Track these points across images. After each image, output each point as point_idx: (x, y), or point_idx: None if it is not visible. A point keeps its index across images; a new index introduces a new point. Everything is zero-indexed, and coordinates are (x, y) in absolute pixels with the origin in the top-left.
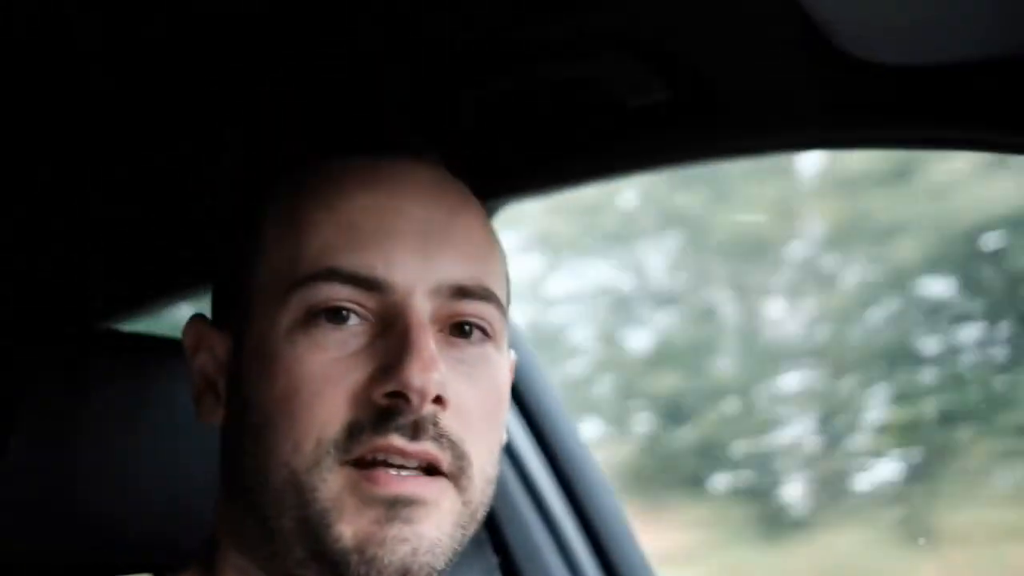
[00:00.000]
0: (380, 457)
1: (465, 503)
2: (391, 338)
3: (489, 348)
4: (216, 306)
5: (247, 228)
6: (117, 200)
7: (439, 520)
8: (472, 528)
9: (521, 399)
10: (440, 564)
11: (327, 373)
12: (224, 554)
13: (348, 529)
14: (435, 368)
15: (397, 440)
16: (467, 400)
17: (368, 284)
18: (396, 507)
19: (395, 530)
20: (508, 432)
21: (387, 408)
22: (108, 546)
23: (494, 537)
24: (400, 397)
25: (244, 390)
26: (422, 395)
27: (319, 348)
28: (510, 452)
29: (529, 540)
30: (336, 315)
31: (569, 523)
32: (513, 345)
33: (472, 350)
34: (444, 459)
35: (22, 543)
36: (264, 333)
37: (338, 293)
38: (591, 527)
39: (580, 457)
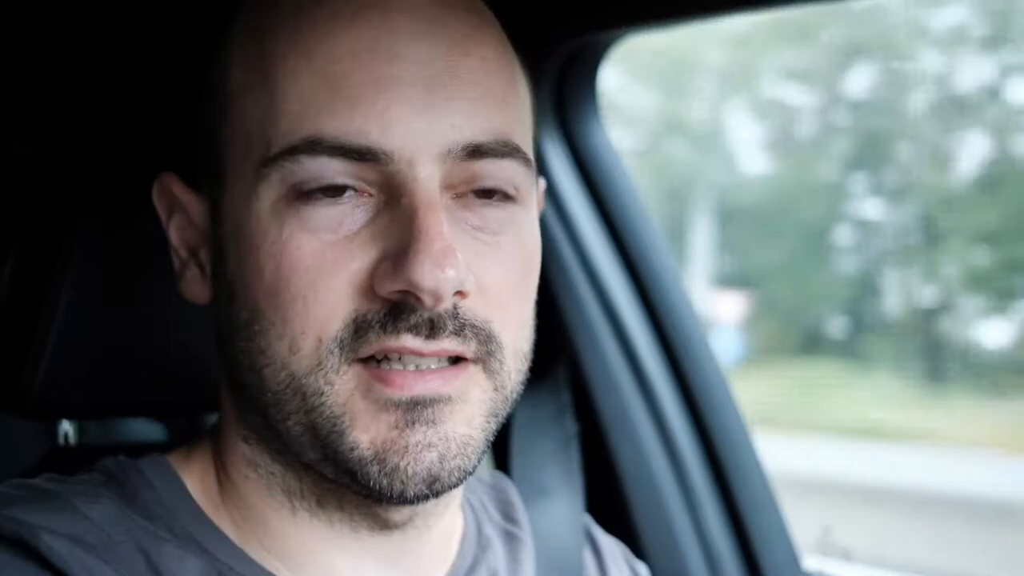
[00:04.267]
0: (393, 356)
1: (497, 388)
2: (395, 217)
3: (512, 207)
4: (188, 162)
5: (210, 65)
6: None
7: (468, 415)
8: (506, 412)
9: (622, 242)
10: (472, 463)
11: (321, 260)
12: (233, 443)
13: (364, 436)
14: (450, 263)
15: (410, 341)
16: (493, 277)
17: (361, 155)
18: (416, 409)
19: (418, 435)
20: (603, 281)
21: (396, 303)
22: (160, 385)
23: (580, 402)
24: (410, 294)
25: (228, 275)
26: (436, 296)
27: (310, 230)
28: (607, 308)
29: (620, 403)
30: (327, 191)
31: (667, 392)
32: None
33: (494, 214)
34: (468, 350)
35: (68, 382)
36: (243, 209)
37: (326, 168)
38: (691, 397)
39: (691, 325)
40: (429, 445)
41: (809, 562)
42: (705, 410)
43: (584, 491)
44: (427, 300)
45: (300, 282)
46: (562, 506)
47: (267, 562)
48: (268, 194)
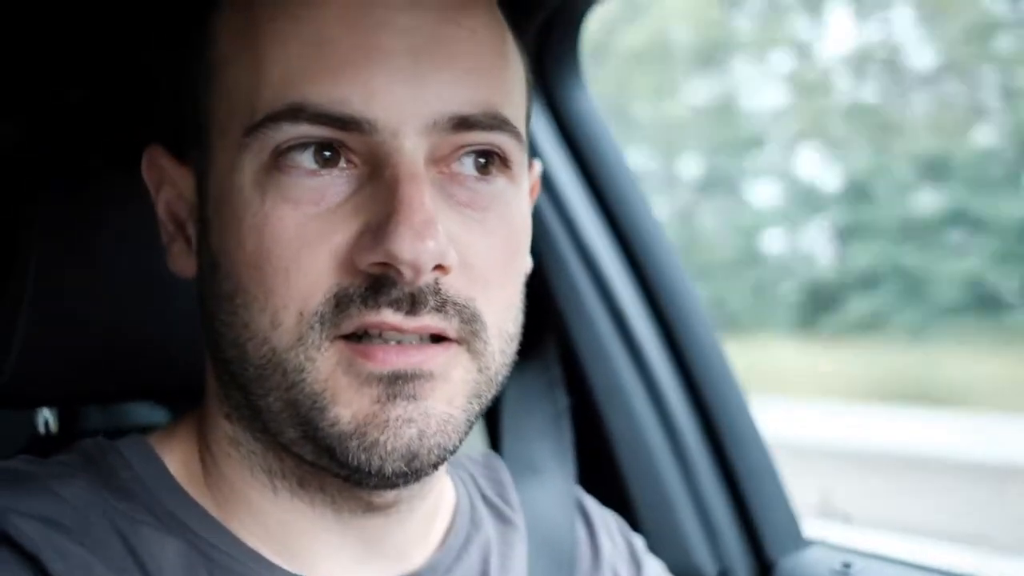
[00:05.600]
0: (374, 332)
1: (481, 369)
2: (379, 189)
3: (502, 183)
4: (174, 133)
5: (197, 33)
6: None
7: (449, 393)
8: (491, 395)
9: (603, 196)
10: (452, 442)
11: (304, 233)
12: (215, 420)
13: (346, 412)
14: (430, 234)
15: (391, 316)
16: (477, 253)
17: (344, 123)
18: (397, 383)
19: (399, 410)
20: (592, 251)
21: (378, 277)
22: (143, 369)
23: (571, 375)
24: (391, 267)
25: (212, 246)
26: (415, 269)
27: (292, 201)
28: (597, 280)
29: (613, 375)
30: (310, 157)
31: (661, 361)
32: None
33: (482, 188)
34: (450, 327)
35: (43, 368)
36: (226, 179)
37: (309, 134)
38: (686, 366)
39: (679, 287)
40: (409, 420)
41: (809, 528)
42: (701, 379)
43: (578, 465)
44: (406, 273)
45: (282, 255)
46: (553, 483)
47: (249, 539)
48: (250, 164)
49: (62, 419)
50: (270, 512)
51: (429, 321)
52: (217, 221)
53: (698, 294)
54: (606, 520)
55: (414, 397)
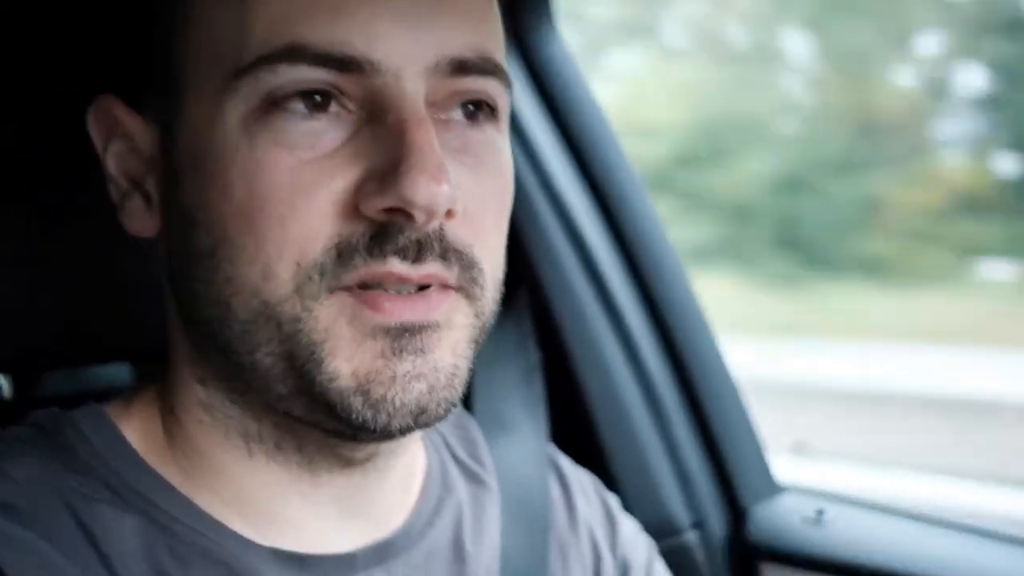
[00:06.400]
0: (375, 282)
1: (478, 315)
2: (381, 133)
3: (492, 131)
4: (130, 82)
5: None
6: None
7: (454, 342)
8: (482, 341)
9: (576, 144)
10: (458, 394)
11: (300, 179)
12: (186, 386)
13: (346, 366)
14: (445, 178)
15: (397, 265)
16: (474, 199)
17: (344, 65)
18: (404, 337)
19: (406, 365)
20: (565, 203)
21: (384, 224)
22: (87, 334)
23: (543, 330)
24: (400, 212)
25: (184, 200)
26: (430, 213)
27: (286, 146)
28: (570, 231)
29: (586, 328)
30: (307, 100)
31: (635, 314)
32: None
33: (476, 136)
34: (451, 275)
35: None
36: (204, 127)
37: (306, 76)
38: (661, 318)
39: (648, 227)
40: (418, 376)
41: (782, 473)
42: (673, 328)
43: (551, 422)
44: (420, 217)
45: (277, 202)
46: (525, 440)
47: (216, 510)
48: (236, 108)
49: (19, 383)
50: (243, 477)
51: (433, 269)
52: (192, 174)
53: (672, 243)
54: (581, 479)
55: (422, 351)
